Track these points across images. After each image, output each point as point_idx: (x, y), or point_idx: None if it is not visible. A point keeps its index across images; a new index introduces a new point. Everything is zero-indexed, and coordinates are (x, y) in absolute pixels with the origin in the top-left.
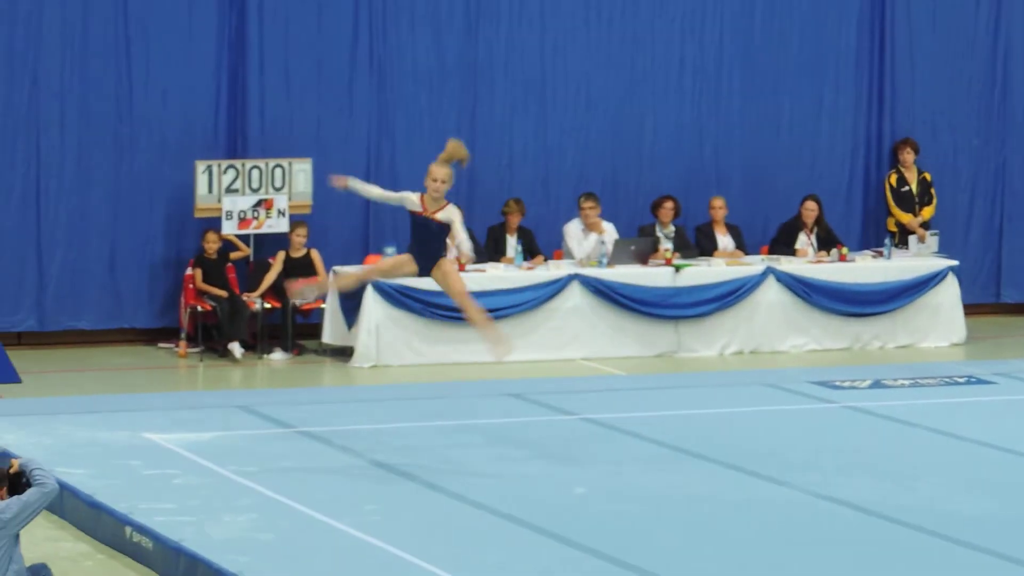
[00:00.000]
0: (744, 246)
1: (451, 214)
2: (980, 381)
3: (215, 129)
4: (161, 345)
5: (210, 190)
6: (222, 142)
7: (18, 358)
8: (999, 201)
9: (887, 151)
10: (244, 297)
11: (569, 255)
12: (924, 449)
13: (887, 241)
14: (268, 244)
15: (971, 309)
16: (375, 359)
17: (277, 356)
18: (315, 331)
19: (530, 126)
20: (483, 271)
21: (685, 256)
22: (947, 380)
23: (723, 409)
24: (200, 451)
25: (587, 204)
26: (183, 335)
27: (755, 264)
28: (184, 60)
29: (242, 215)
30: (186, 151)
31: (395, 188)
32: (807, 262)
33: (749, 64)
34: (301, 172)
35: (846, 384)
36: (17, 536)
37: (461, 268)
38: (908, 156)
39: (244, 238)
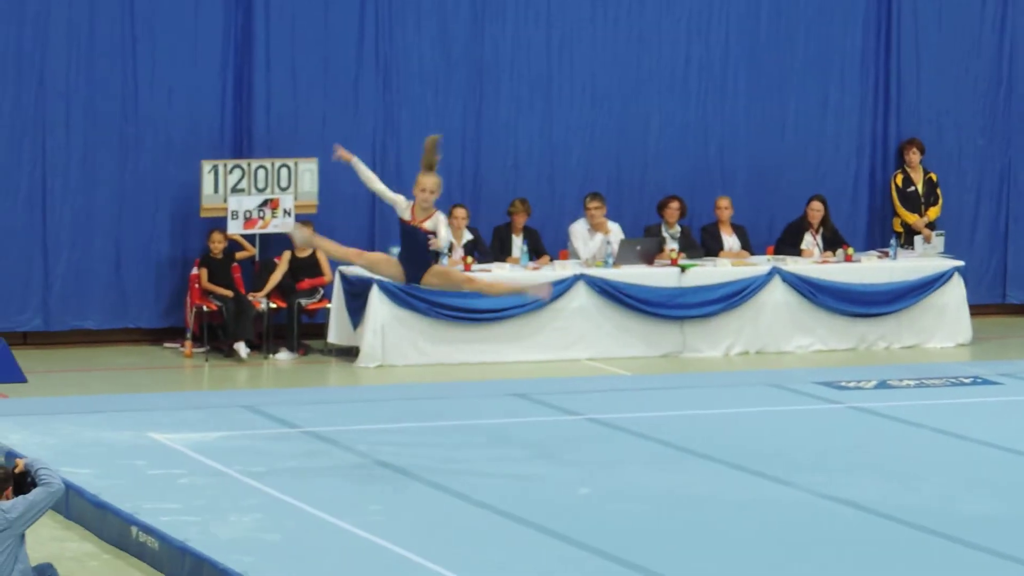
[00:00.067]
0: (750, 246)
1: (437, 221)
2: (985, 382)
3: (221, 129)
4: (166, 345)
5: (216, 190)
6: (228, 142)
7: (24, 358)
8: (1005, 201)
9: (893, 151)
10: (250, 297)
11: (575, 255)
12: (929, 449)
13: (893, 241)
14: (274, 244)
15: (977, 309)
16: (380, 359)
17: (283, 356)
18: (321, 331)
19: (536, 125)
20: (489, 271)
21: (691, 256)
22: (952, 381)
23: (728, 409)
24: (205, 451)
25: (593, 204)
26: (188, 335)
27: (761, 264)
28: (190, 60)
29: (248, 215)
30: (192, 151)
31: (400, 188)
32: (813, 262)
33: (755, 64)
34: (307, 172)
35: (851, 384)
36: (22, 536)
37: (467, 268)
38: (914, 156)
39: (250, 238)
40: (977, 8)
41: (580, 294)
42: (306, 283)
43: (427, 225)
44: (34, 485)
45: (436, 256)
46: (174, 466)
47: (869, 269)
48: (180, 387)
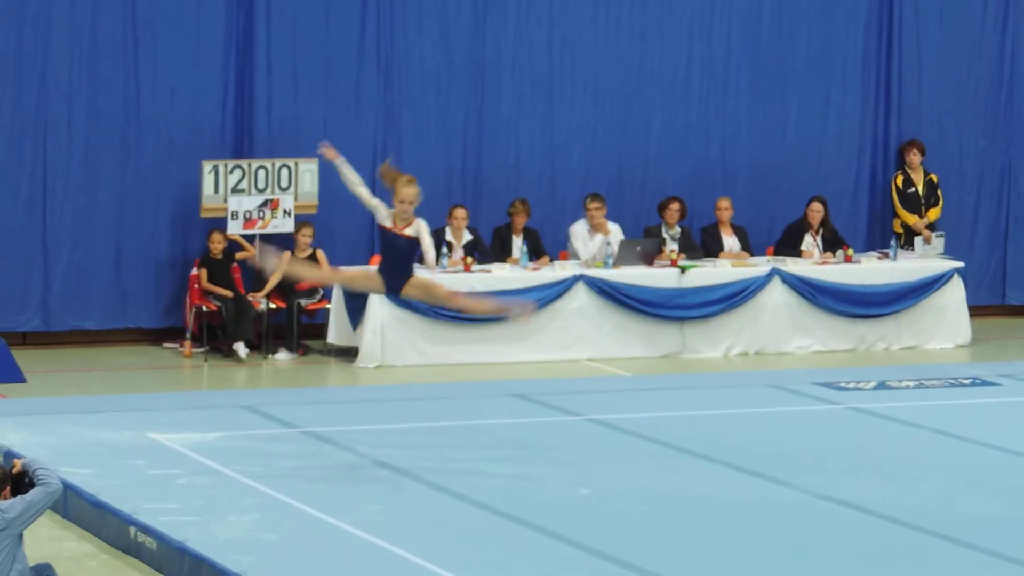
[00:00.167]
0: (750, 247)
1: (419, 228)
2: (985, 383)
3: (222, 129)
4: (166, 345)
5: (216, 190)
6: (229, 142)
7: (23, 358)
8: (1005, 203)
9: (893, 152)
10: (249, 297)
11: (575, 256)
12: (929, 450)
13: (893, 242)
14: (274, 244)
15: (976, 311)
16: (380, 359)
17: (282, 356)
18: (320, 331)
19: (537, 125)
20: (489, 271)
21: (691, 257)
22: (952, 382)
23: (728, 410)
24: (204, 451)
25: (593, 205)
26: (188, 335)
27: (761, 265)
28: (191, 61)
29: (248, 215)
30: (193, 151)
31: None
32: (813, 263)
33: (756, 64)
34: (307, 172)
35: (851, 385)
36: (21, 536)
37: (466, 268)
38: (914, 157)
39: (250, 238)
40: (979, 9)
41: (580, 295)
42: (305, 284)
43: (408, 232)
44: (32, 485)
45: (413, 267)
46: (173, 466)
47: (869, 270)
48: (179, 387)
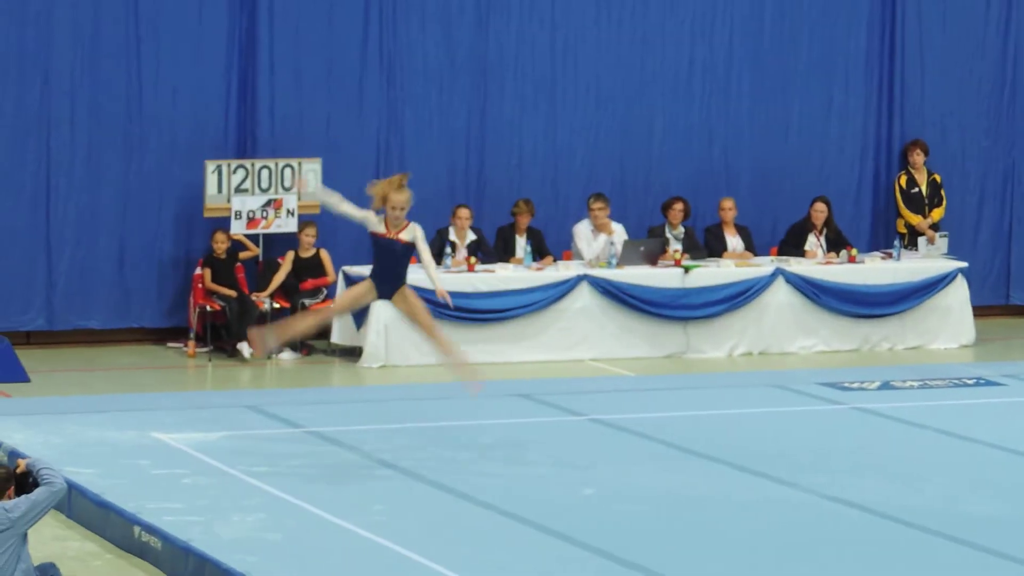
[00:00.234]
0: (753, 247)
1: (414, 233)
2: (989, 383)
3: (225, 129)
4: (170, 345)
5: (219, 190)
6: (232, 142)
7: (27, 357)
8: (1008, 203)
9: (897, 152)
10: (253, 297)
11: (578, 256)
12: (932, 450)
13: (896, 243)
14: (277, 244)
15: (980, 311)
16: (384, 359)
17: (286, 356)
18: (324, 331)
19: (540, 125)
20: (493, 271)
21: (694, 257)
22: (956, 382)
23: (732, 410)
24: (209, 451)
25: (596, 205)
26: (192, 335)
27: (764, 265)
28: (194, 60)
29: (251, 215)
30: (196, 151)
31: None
32: (816, 263)
33: (759, 65)
34: (311, 172)
35: (855, 385)
36: (25, 535)
37: (470, 268)
38: (918, 158)
39: (253, 238)
40: (981, 10)
41: (583, 295)
42: (309, 283)
43: (403, 237)
44: (36, 485)
45: (407, 272)
46: (177, 466)
47: (872, 270)
48: (183, 387)
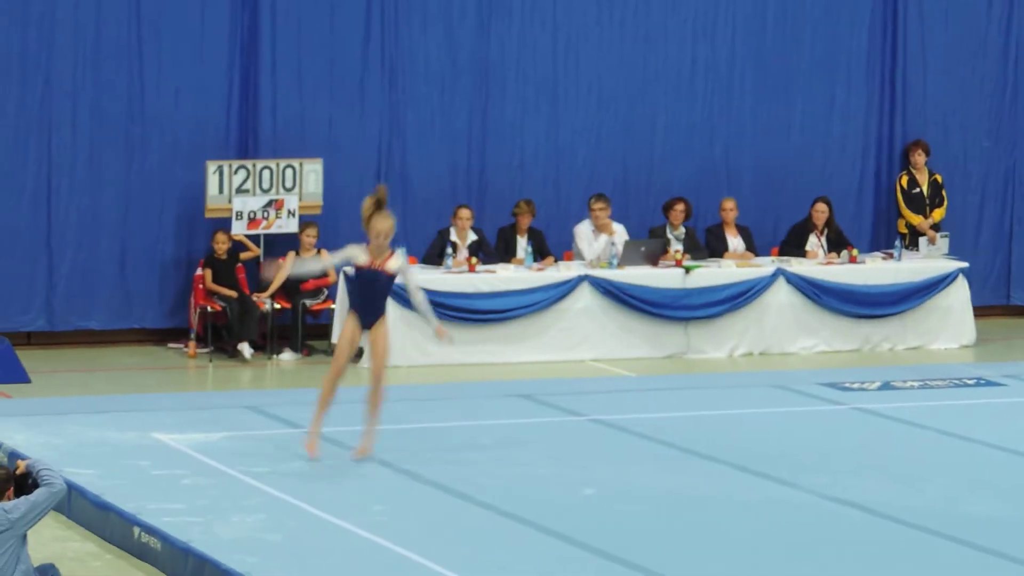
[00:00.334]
0: (754, 247)
1: (399, 263)
2: (989, 383)
3: (226, 129)
4: (171, 345)
5: (221, 190)
6: (233, 142)
7: (28, 358)
8: (1010, 203)
9: (898, 153)
10: (254, 297)
11: (579, 256)
12: (933, 451)
13: (897, 243)
14: (278, 244)
15: (981, 311)
16: None
17: (286, 356)
18: (325, 332)
19: (541, 126)
20: (494, 272)
21: (695, 257)
22: (956, 382)
23: (732, 410)
24: (209, 451)
25: (597, 205)
26: (193, 335)
27: (765, 266)
28: (196, 60)
29: (252, 215)
30: (197, 151)
31: (404, 189)
32: (817, 264)
33: (761, 65)
34: (312, 172)
35: (855, 386)
36: (24, 536)
37: (471, 269)
38: (919, 158)
39: (254, 238)
40: (983, 10)
41: (584, 295)
42: (310, 284)
43: (388, 267)
44: (35, 486)
45: (386, 303)
46: (177, 466)
47: (873, 270)
48: (184, 388)
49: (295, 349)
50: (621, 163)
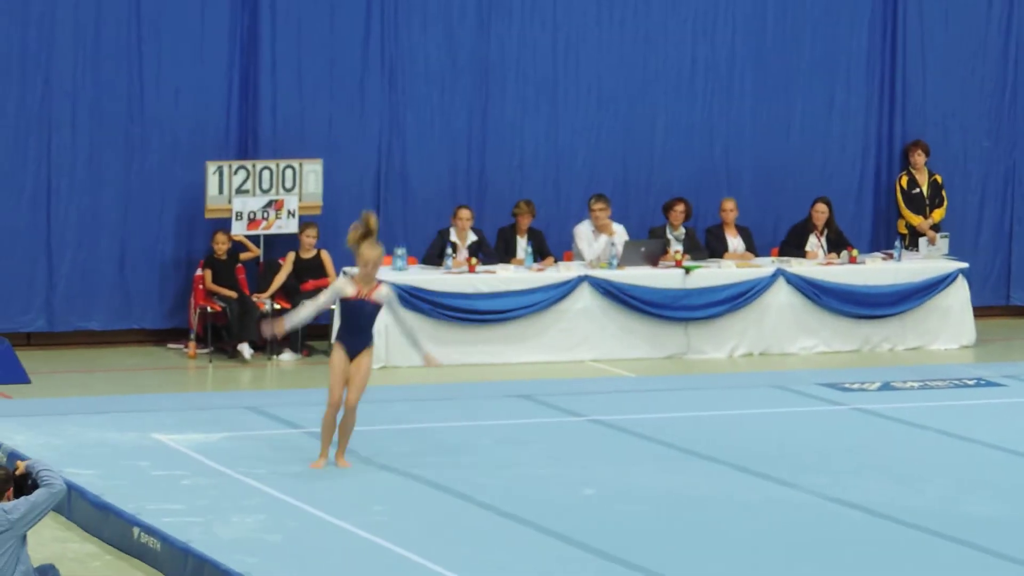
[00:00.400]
0: (754, 248)
1: (386, 293)
2: (989, 383)
3: (226, 130)
4: (170, 346)
5: (220, 191)
6: (233, 143)
7: (27, 359)
8: (1009, 203)
9: (898, 153)
10: (254, 298)
11: (579, 256)
12: (933, 451)
13: (897, 243)
14: (278, 245)
15: (981, 311)
16: (384, 360)
17: (286, 357)
18: (325, 332)
19: (541, 126)
20: (493, 272)
21: (695, 258)
22: (956, 382)
23: (732, 411)
24: (209, 452)
25: (597, 206)
26: (192, 336)
27: (765, 266)
28: (196, 61)
29: (252, 216)
30: (197, 152)
31: (404, 189)
32: (817, 264)
33: (761, 65)
34: (312, 173)
35: (855, 386)
36: (24, 537)
37: (471, 269)
38: (919, 158)
39: (254, 239)
40: (983, 10)
41: (584, 295)
42: (310, 284)
43: (375, 297)
44: (35, 487)
45: (372, 333)
46: (177, 467)
47: (873, 271)
48: (184, 388)
49: (295, 349)
50: (621, 163)
